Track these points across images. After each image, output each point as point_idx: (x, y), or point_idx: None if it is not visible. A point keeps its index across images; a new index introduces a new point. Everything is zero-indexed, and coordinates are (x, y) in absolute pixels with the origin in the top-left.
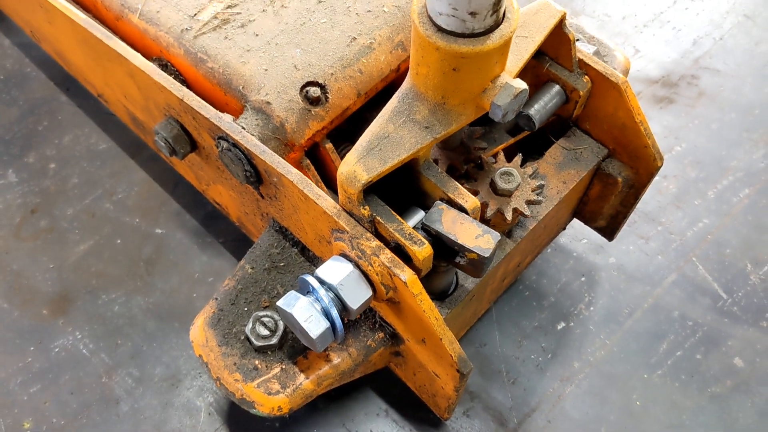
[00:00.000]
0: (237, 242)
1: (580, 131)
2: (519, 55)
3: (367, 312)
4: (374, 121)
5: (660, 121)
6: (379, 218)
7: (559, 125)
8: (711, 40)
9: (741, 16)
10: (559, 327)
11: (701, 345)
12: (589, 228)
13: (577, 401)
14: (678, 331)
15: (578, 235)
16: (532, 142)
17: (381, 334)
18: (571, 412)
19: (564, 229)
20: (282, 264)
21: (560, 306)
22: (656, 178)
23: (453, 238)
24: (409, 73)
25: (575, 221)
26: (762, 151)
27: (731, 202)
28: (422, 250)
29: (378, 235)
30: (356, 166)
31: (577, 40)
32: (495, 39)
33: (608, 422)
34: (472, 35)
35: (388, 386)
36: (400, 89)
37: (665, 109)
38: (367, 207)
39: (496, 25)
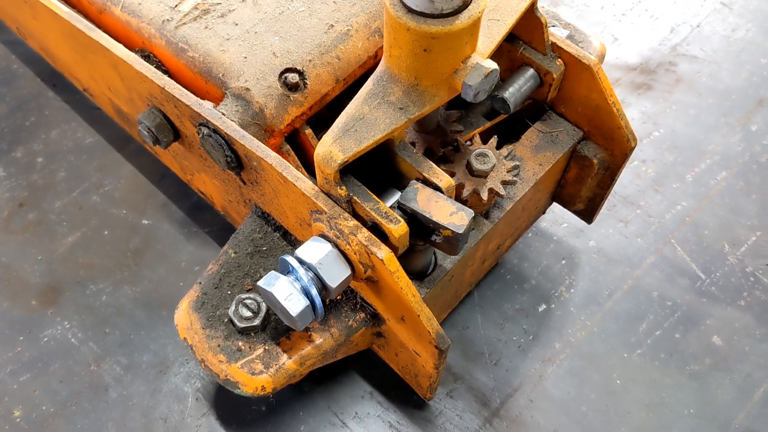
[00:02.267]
0: (222, 232)
1: (556, 114)
2: (491, 37)
3: (348, 293)
4: (350, 103)
5: (638, 107)
6: (355, 198)
7: (535, 109)
8: (688, 28)
9: (717, 3)
10: (540, 309)
11: (680, 324)
12: (568, 212)
13: (558, 381)
14: (657, 312)
15: (558, 219)
16: (509, 127)
17: (362, 315)
18: (553, 391)
19: (543, 213)
20: (264, 248)
21: (541, 289)
22: (635, 162)
23: (428, 215)
24: (383, 56)
25: (555, 205)
26: (738, 135)
27: (709, 185)
28: (398, 228)
29: (355, 215)
30: (332, 147)
31: (553, 26)
32: (464, 19)
33: (589, 401)
34: (442, 15)
35: (372, 369)
36: (375, 72)
37: (643, 96)
38: (343, 187)
39: (465, 5)
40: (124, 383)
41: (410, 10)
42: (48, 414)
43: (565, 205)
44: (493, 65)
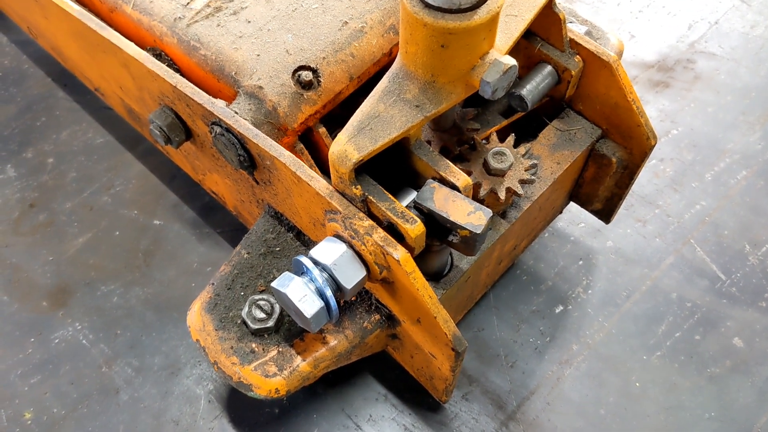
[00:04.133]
0: (234, 232)
1: (574, 112)
2: (509, 33)
3: (363, 294)
4: (365, 101)
5: (656, 105)
6: (371, 197)
7: (553, 107)
8: (706, 24)
9: (736, 0)
10: (557, 310)
11: (700, 326)
12: (586, 212)
13: (575, 383)
14: (676, 313)
15: (575, 219)
16: (526, 125)
17: (377, 316)
18: (570, 394)
19: (560, 212)
20: (277, 249)
21: (558, 290)
22: (653, 161)
23: (445, 215)
24: (399, 53)
25: (572, 205)
26: (758, 133)
27: (728, 184)
28: (414, 228)
29: (371, 215)
30: (347, 146)
31: (570, 22)
32: (482, 14)
33: (607, 404)
34: (459, 11)
35: (386, 371)
36: (390, 69)
37: (661, 93)
38: (359, 186)
39: (483, 0)
40: (135, 385)
41: (427, 5)
42: (58, 416)
43: (582, 205)
44: (511, 61)
